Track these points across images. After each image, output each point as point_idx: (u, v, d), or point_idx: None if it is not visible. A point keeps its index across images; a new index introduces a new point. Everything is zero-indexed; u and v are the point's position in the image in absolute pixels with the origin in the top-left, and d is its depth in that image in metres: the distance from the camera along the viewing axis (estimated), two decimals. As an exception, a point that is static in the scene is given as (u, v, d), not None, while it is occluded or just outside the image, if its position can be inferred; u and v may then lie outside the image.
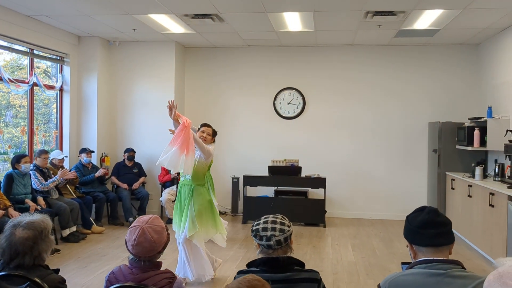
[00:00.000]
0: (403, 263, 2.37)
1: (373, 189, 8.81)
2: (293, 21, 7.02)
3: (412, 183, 8.70)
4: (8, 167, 6.63)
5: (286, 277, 2.26)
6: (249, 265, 2.35)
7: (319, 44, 8.71)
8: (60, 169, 7.14)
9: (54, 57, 7.87)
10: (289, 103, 9.00)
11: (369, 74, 8.79)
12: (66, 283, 2.49)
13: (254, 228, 2.36)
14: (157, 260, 2.43)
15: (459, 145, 7.67)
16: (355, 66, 8.82)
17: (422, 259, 2.12)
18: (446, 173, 7.86)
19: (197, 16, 6.74)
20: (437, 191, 8.01)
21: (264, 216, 2.41)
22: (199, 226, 4.89)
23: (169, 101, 4.83)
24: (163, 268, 2.45)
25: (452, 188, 7.55)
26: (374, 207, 8.80)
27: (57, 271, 2.51)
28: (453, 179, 7.54)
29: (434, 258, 2.09)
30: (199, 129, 5.11)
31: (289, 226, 2.37)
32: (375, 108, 8.80)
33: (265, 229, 2.32)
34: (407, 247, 2.27)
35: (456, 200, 7.41)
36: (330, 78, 8.90)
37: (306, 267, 2.39)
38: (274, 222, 2.35)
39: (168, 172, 8.20)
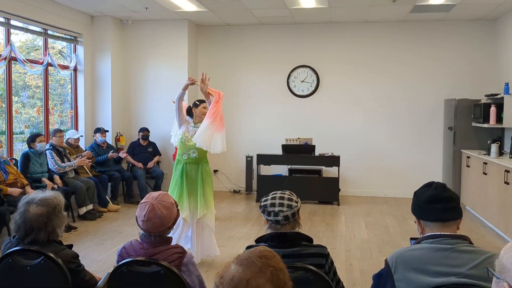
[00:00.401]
0: (411, 239, 2.38)
1: (388, 167, 8.77)
2: (306, -2, 6.93)
3: (427, 161, 8.64)
4: (25, 147, 6.73)
5: (294, 252, 2.29)
6: (257, 240, 2.38)
7: (333, 21, 8.59)
8: (76, 151, 7.25)
9: (67, 37, 7.91)
10: (302, 81, 8.95)
11: (384, 51, 8.67)
12: (79, 258, 2.55)
13: (262, 204, 2.38)
14: (167, 235, 2.47)
15: (475, 122, 7.57)
16: (370, 43, 8.71)
17: (429, 234, 2.12)
18: (462, 150, 7.78)
19: (208, -7, 6.69)
20: (452, 168, 7.95)
21: (272, 192, 2.43)
22: (210, 205, 4.91)
23: (203, 74, 4.80)
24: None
25: (468, 166, 7.48)
26: (389, 185, 8.77)
27: (70, 246, 2.57)
28: (468, 157, 7.46)
29: (441, 233, 2.09)
30: (196, 105, 4.97)
31: (296, 202, 2.39)
32: (390, 86, 8.70)
33: (273, 204, 2.34)
34: (415, 222, 2.28)
35: (471, 178, 7.35)
36: (344, 56, 8.80)
37: (318, 244, 2.42)
38: (282, 198, 2.37)
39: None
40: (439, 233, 2.10)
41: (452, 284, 1.95)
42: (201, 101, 5.00)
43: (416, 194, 2.24)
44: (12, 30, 6.70)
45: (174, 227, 4.22)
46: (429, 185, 2.23)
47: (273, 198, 2.37)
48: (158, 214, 2.37)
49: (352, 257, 5.31)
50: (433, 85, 8.57)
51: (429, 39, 8.53)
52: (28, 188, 5.86)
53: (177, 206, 2.48)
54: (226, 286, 1.43)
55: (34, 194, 2.51)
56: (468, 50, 8.43)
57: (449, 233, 2.09)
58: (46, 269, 2.35)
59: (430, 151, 8.63)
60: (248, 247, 2.37)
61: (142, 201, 2.44)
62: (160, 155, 8.60)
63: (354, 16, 8.16)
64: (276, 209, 2.32)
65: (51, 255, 2.36)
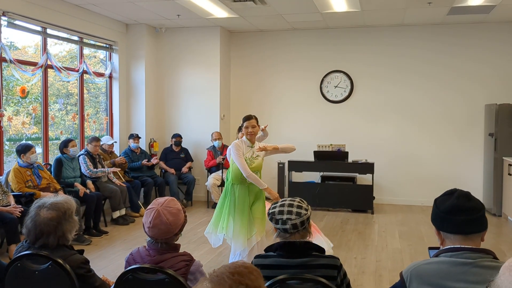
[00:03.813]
0: (430, 248, 2.22)
1: (425, 175, 8.46)
2: (337, 1, 6.80)
3: (466, 168, 8.29)
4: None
5: (303, 262, 2.19)
6: (267, 249, 2.30)
7: (367, 24, 8.40)
8: (110, 157, 7.39)
9: (103, 45, 8.07)
10: (336, 87, 8.79)
11: (420, 55, 8.40)
12: (89, 263, 2.52)
13: (270, 211, 2.29)
14: (175, 242, 2.41)
15: (517, 128, 7.22)
16: (405, 47, 8.45)
17: (449, 247, 1.97)
18: (503, 158, 7.42)
19: (238, -1, 6.67)
20: (494, 176, 7.59)
21: (282, 199, 2.34)
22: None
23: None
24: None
25: (509, 174, 7.12)
26: (425, 194, 8.45)
27: (81, 252, 2.56)
28: (510, 165, 7.10)
29: (462, 246, 1.93)
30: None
31: (306, 210, 2.28)
32: (426, 91, 8.41)
33: (281, 212, 2.25)
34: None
35: (514, 187, 6.99)
36: (379, 60, 8.58)
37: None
38: (291, 205, 2.27)
39: (213, 157, 8.25)
40: (459, 246, 1.94)
41: (472, 302, 1.80)
42: (246, 119, 4.58)
43: (436, 202, 2.05)
44: (54, 40, 6.87)
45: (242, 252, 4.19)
46: (451, 193, 2.03)
47: (282, 206, 2.28)
48: (164, 221, 2.31)
49: (382, 268, 5.11)
50: (473, 89, 8.23)
51: (468, 42, 8.21)
52: (61, 193, 5.96)
53: (184, 212, 2.41)
54: None
55: (46, 199, 2.51)
56: (509, 53, 8.05)
57: (470, 247, 1.93)
58: (53, 274, 2.34)
59: (470, 158, 8.28)
60: (257, 257, 2.30)
61: (148, 207, 2.39)
62: (192, 161, 8.63)
63: (388, 19, 7.95)
64: (284, 217, 2.23)
65: (59, 260, 2.34)
